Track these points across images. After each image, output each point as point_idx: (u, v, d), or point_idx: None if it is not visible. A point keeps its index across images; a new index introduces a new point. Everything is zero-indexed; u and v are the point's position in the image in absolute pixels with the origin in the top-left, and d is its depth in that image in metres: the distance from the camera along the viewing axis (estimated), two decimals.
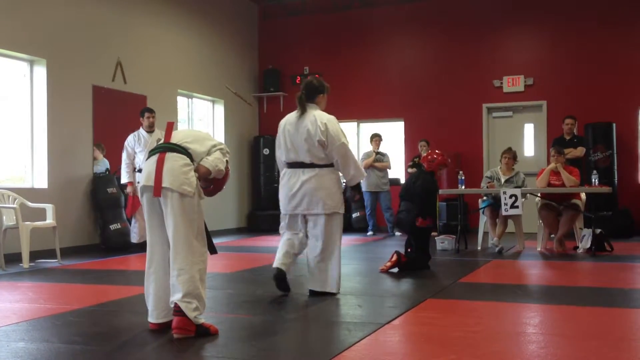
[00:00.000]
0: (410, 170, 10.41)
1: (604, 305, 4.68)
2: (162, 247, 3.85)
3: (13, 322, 4.21)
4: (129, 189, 8.43)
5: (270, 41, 13.28)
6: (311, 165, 5.03)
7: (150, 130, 8.46)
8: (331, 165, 5.07)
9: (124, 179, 8.46)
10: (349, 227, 11.95)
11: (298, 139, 5.04)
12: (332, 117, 5.10)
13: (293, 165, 5.11)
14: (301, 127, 5.03)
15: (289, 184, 5.12)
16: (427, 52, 12.34)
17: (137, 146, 8.40)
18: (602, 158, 10.45)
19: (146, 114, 8.48)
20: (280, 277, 5.06)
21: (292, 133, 5.07)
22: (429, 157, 6.85)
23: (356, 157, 5.97)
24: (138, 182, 8.36)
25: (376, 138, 11.27)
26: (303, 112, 5.09)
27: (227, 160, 3.98)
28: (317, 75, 12.71)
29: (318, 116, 5.04)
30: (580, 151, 9.66)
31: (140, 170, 8.40)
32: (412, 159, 11.07)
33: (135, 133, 8.50)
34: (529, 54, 11.69)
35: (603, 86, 11.13)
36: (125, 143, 8.46)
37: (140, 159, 8.37)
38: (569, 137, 9.77)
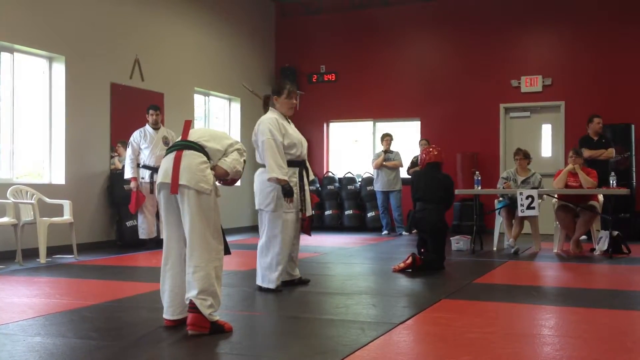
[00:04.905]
0: (415, 169, 10.41)
1: (621, 307, 4.64)
2: (179, 244, 3.88)
3: (29, 317, 4.25)
4: (132, 185, 8.51)
5: (287, 39, 13.30)
6: (262, 165, 5.35)
7: (155, 127, 8.60)
8: (264, 165, 5.29)
9: (128, 174, 8.54)
10: (363, 226, 11.95)
11: None
12: (265, 117, 5.31)
13: None
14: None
15: None
16: (444, 51, 12.29)
17: (142, 142, 8.55)
18: (621, 159, 10.32)
19: (150, 111, 8.64)
20: None
21: None
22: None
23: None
24: (142, 178, 8.51)
25: (387, 137, 11.24)
26: None
27: (244, 161, 4.00)
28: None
29: (260, 119, 5.32)
30: (611, 152, 9.32)
31: (145, 166, 8.52)
32: (411, 161, 11.06)
33: (141, 129, 8.63)
34: (547, 54, 11.60)
35: (622, 87, 11.03)
36: (131, 139, 8.58)
37: (145, 155, 8.51)
38: (596, 138, 9.42)
